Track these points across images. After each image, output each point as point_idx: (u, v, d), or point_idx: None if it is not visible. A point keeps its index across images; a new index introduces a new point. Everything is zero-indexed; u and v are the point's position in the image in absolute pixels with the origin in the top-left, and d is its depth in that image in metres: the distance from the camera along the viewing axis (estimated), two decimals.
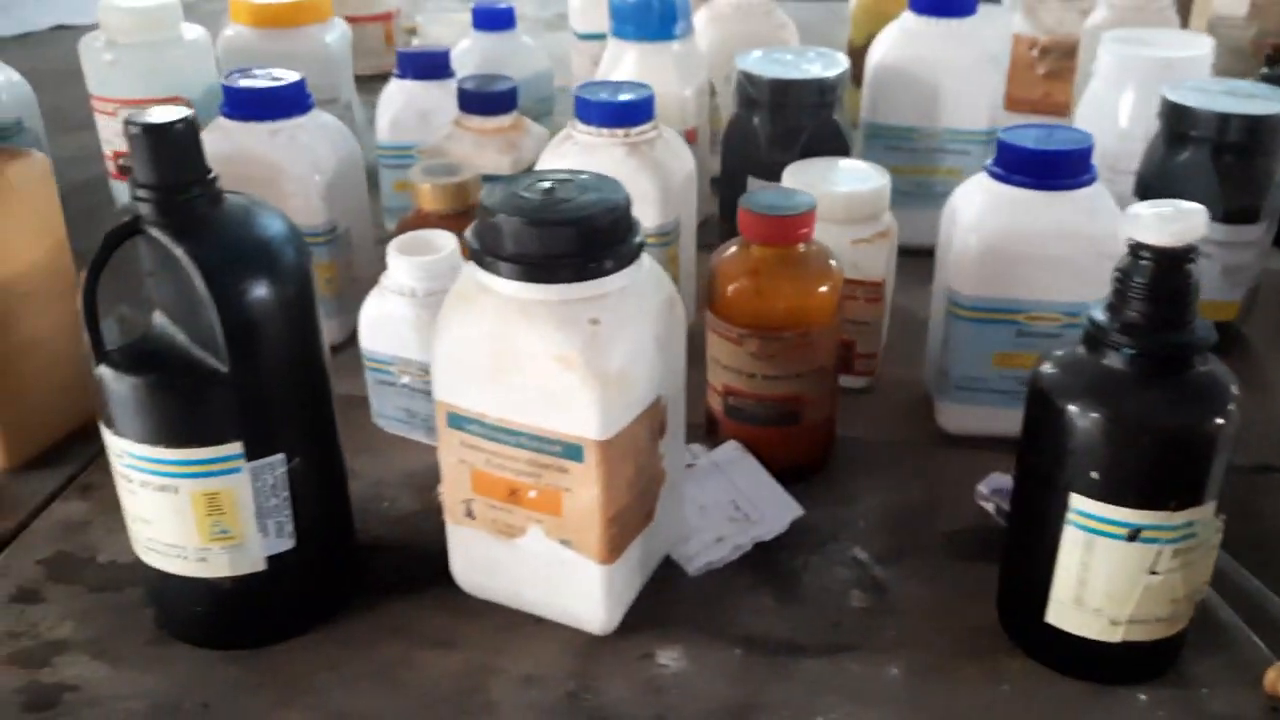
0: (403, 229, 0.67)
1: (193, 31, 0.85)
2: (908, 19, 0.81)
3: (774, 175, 0.75)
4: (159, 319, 0.44)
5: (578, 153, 0.66)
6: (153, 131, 0.42)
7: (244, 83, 0.68)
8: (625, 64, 0.83)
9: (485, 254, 0.43)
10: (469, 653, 0.49)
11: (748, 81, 0.75)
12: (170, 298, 0.43)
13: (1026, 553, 0.47)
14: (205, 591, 0.46)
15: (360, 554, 0.53)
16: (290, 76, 0.69)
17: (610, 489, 0.45)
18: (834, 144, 0.76)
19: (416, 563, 0.54)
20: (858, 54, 1.10)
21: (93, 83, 0.84)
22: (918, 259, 0.71)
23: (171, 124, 0.42)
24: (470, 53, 0.94)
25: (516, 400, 0.44)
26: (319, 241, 0.69)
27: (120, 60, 0.81)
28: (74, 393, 0.62)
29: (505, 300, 0.43)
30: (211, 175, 0.43)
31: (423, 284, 0.58)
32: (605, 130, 0.66)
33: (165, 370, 0.43)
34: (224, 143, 0.67)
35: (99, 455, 0.62)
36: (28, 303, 0.58)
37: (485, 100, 0.75)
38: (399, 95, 0.84)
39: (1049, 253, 0.58)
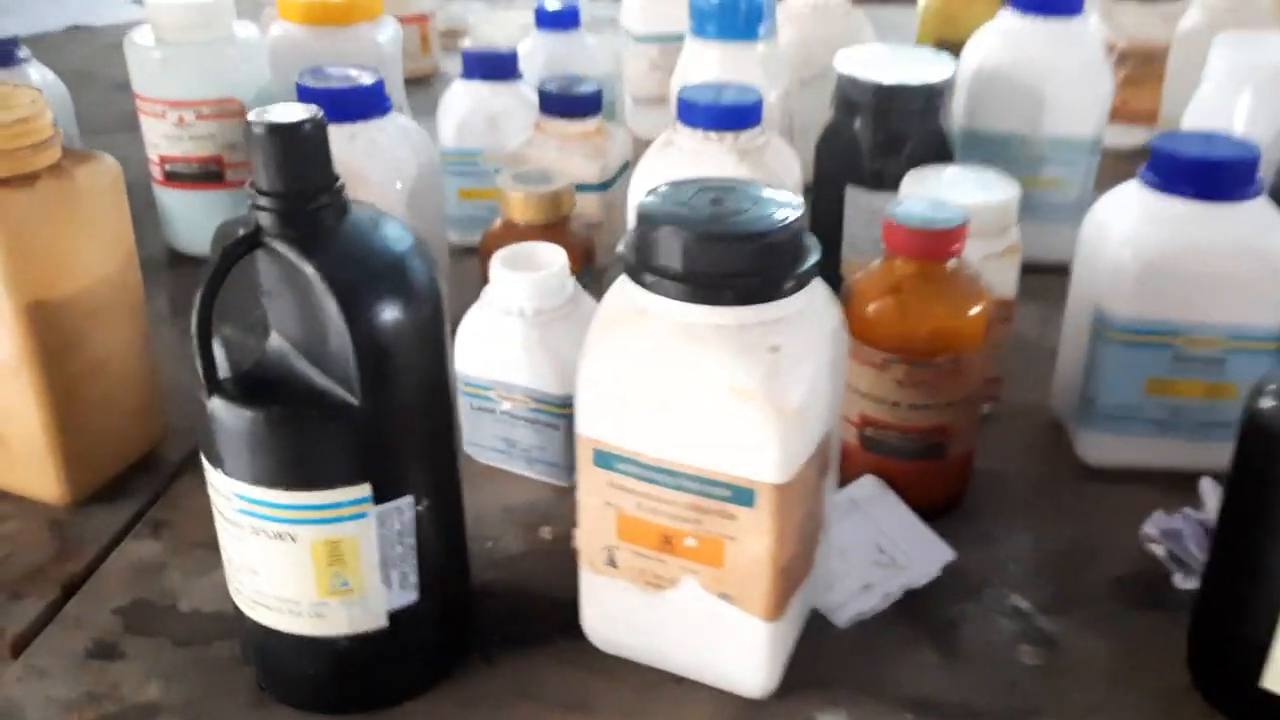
0: (491, 241, 0.62)
1: (245, 29, 0.80)
2: (1009, 19, 0.76)
3: (876, 184, 0.71)
4: (275, 343, 0.39)
5: (682, 158, 0.61)
6: (280, 132, 0.36)
7: (319, 82, 0.63)
8: (706, 65, 0.78)
9: (647, 271, 0.38)
10: (607, 718, 0.44)
11: (850, 85, 0.70)
12: (290, 320, 0.38)
13: (1235, 608, 0.42)
14: (319, 650, 0.41)
15: (474, 602, 0.48)
16: (367, 76, 0.64)
17: (782, 538, 0.40)
18: (940, 152, 0.71)
19: (535, 612, 0.48)
20: None
21: (139, 82, 0.78)
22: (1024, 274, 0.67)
23: (300, 124, 0.37)
24: (534, 54, 0.89)
25: (679, 437, 0.39)
26: None
27: (170, 59, 0.76)
28: (140, 419, 0.57)
29: (671, 323, 0.38)
30: (339, 182, 0.38)
31: (532, 302, 0.53)
32: (713, 134, 0.61)
33: (288, 402, 0.38)
34: None
35: (168, 487, 0.57)
36: (96, 321, 0.53)
37: (570, 103, 0.70)
38: (465, 97, 0.79)
39: (1213, 270, 0.53)
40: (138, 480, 0.57)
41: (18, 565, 0.51)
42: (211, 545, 0.43)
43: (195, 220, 0.80)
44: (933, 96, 0.70)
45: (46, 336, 0.51)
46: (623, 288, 0.40)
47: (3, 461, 0.54)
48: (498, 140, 0.79)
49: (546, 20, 0.90)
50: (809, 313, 0.39)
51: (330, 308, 0.37)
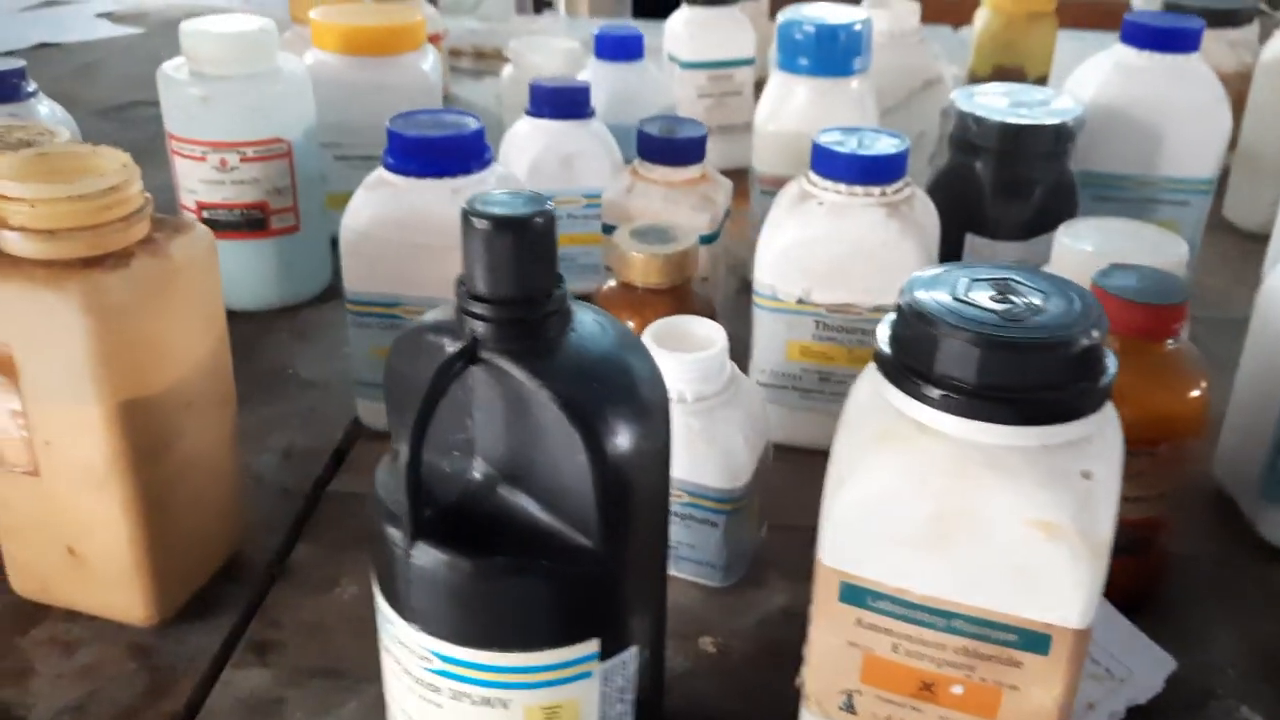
0: (604, 305, 0.56)
1: (290, 62, 0.73)
2: (1123, 53, 0.72)
3: (998, 232, 0.66)
4: (483, 472, 0.32)
5: (825, 215, 0.55)
6: (508, 229, 0.30)
7: (413, 129, 0.56)
8: (796, 102, 0.73)
9: (927, 381, 0.32)
10: None
11: (972, 124, 0.65)
12: (504, 445, 0.32)
13: None
14: None
15: None
16: (469, 123, 0.57)
17: (1072, 686, 0.34)
18: (1069, 198, 0.67)
19: None
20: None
21: (175, 121, 0.70)
22: None
23: (531, 219, 0.30)
24: (594, 87, 0.83)
25: (958, 574, 0.33)
26: None
27: (214, 97, 0.69)
28: (225, 519, 0.50)
29: (958, 443, 0.32)
30: (563, 284, 0.32)
31: (692, 387, 0.47)
32: (859, 188, 0.55)
33: (511, 549, 0.31)
34: (393, 203, 0.56)
35: (262, 598, 0.50)
36: (188, 415, 0.46)
37: (676, 149, 0.63)
38: (538, 136, 0.72)
39: None
40: (226, 590, 0.50)
41: (105, 706, 0.44)
42: (331, 674, 0.37)
43: (237, 272, 0.72)
44: (1063, 138, 0.65)
45: (138, 439, 0.43)
46: (879, 391, 0.34)
47: (78, 581, 0.46)
48: (572, 181, 0.73)
49: (608, 50, 0.83)
50: (1109, 429, 0.34)
51: (564, 434, 0.30)
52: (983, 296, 0.33)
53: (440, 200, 0.55)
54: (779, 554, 0.53)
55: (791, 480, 0.50)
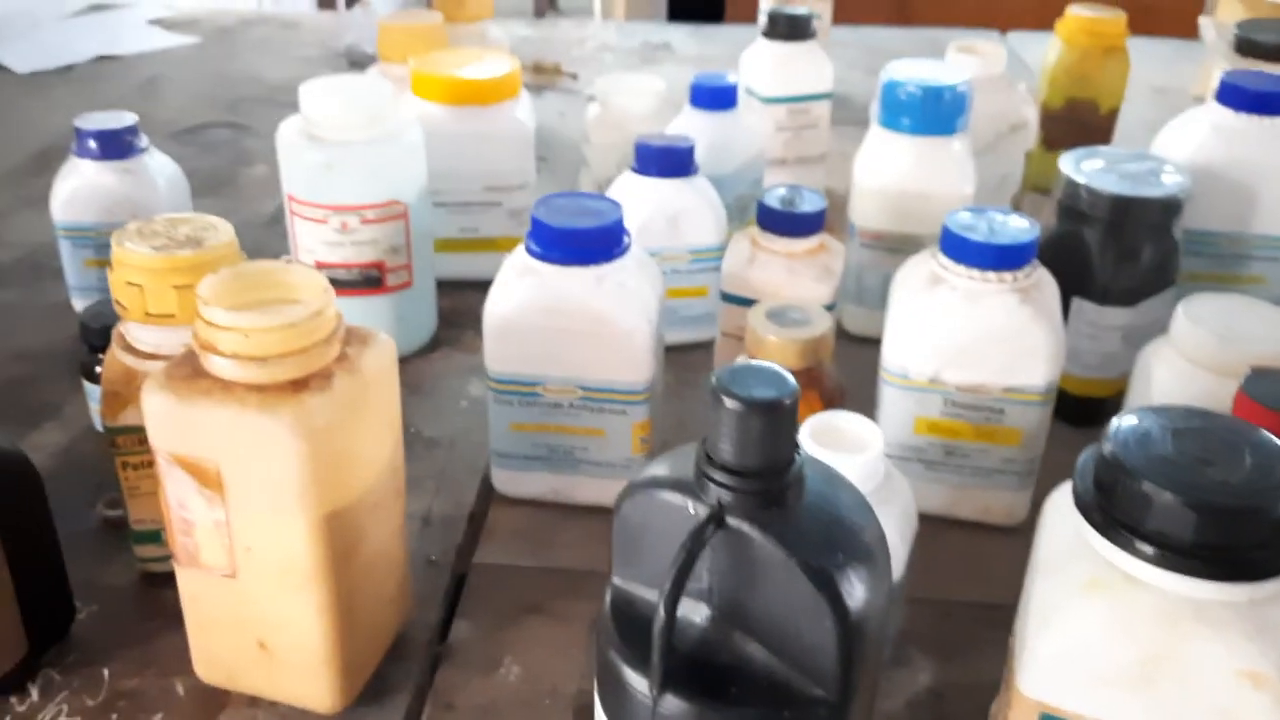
0: None
1: (407, 125, 0.74)
2: (1220, 114, 0.73)
3: (1105, 298, 0.68)
4: (718, 622, 0.34)
5: (959, 300, 0.57)
6: (761, 410, 0.32)
7: (556, 219, 0.57)
8: (896, 160, 0.74)
9: (1138, 536, 0.34)
10: None
11: (1084, 194, 0.67)
12: (741, 600, 0.34)
13: None
14: None
15: None
16: (609, 210, 0.59)
17: None
18: (1173, 262, 0.68)
19: None
20: (1053, 118, 1.03)
21: (297, 185, 0.72)
22: None
23: (780, 401, 0.32)
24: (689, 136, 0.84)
25: (1164, 716, 0.35)
26: (638, 399, 0.59)
27: (337, 164, 0.70)
28: (396, 605, 0.52)
29: (1170, 597, 0.34)
30: (801, 452, 0.34)
31: None
32: (992, 274, 0.57)
33: (754, 698, 0.33)
34: (539, 290, 0.57)
35: (428, 682, 0.52)
36: (374, 516, 0.48)
37: (797, 221, 0.65)
38: (647, 196, 0.74)
39: None
40: (395, 671, 0.52)
41: None
42: None
43: None
44: (1171, 209, 0.67)
45: (334, 544, 0.45)
46: (1081, 535, 0.36)
47: (266, 671, 0.48)
48: (678, 239, 0.75)
49: (704, 99, 0.84)
50: None
51: (806, 596, 0.32)
52: (1189, 452, 0.35)
53: (585, 287, 0.57)
54: (916, 629, 0.55)
55: (920, 551, 0.52)
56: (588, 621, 0.56)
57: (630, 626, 0.35)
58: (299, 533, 0.44)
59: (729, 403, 0.32)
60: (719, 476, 0.33)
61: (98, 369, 0.67)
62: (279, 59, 1.49)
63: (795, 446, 0.33)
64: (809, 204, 0.66)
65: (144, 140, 0.79)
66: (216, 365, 0.43)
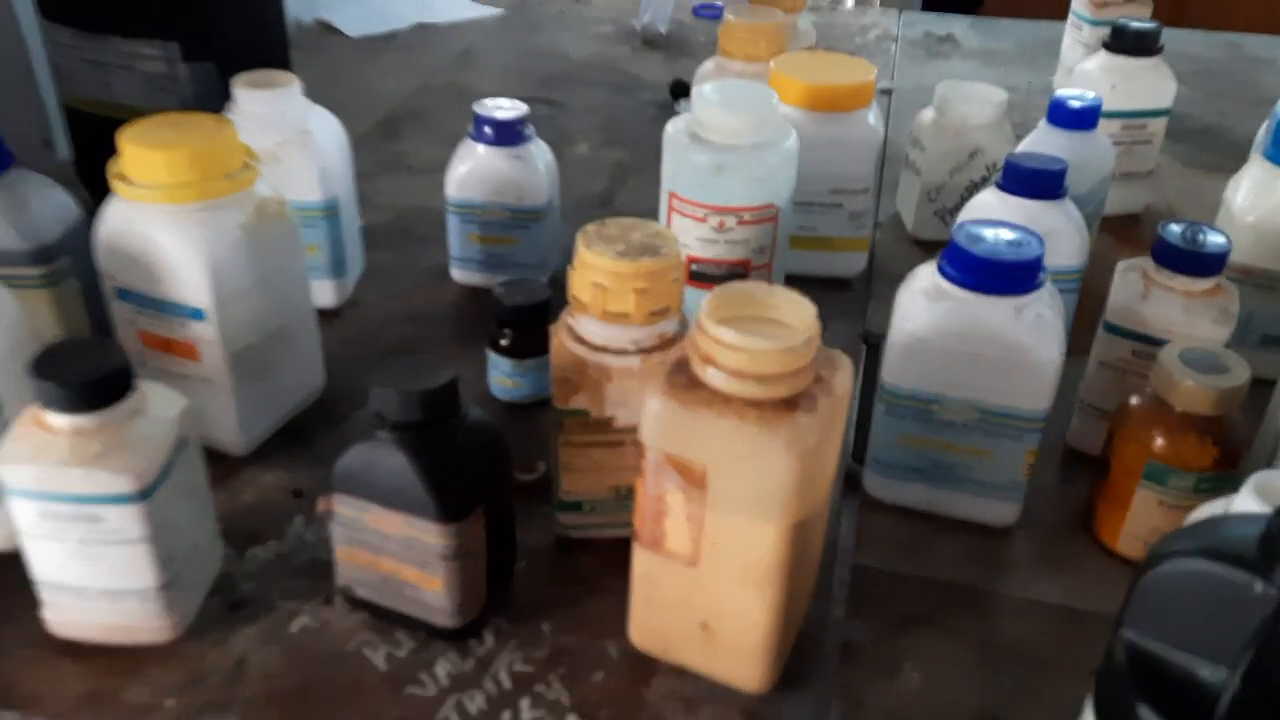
0: (1137, 422, 0.59)
1: (787, 133, 0.77)
2: None
3: None
4: (1237, 690, 0.36)
5: None
6: None
7: (980, 248, 0.59)
8: (1273, 195, 0.73)
9: None
10: None
11: None
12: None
13: None
14: None
15: None
16: (1031, 244, 0.60)
17: None
18: None
19: None
20: None
21: (682, 184, 0.76)
22: None
23: None
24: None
25: None
26: (1035, 427, 0.61)
27: (726, 168, 0.74)
28: (806, 601, 0.56)
29: None
30: None
31: None
32: None
33: None
34: (955, 315, 0.60)
35: (834, 675, 0.56)
36: (818, 522, 0.52)
37: (1200, 260, 0.65)
38: (1013, 214, 0.74)
39: None
40: (800, 663, 0.56)
41: None
42: None
43: None
44: None
45: (793, 548, 0.49)
46: None
47: (703, 649, 0.53)
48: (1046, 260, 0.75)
49: (1065, 118, 0.84)
50: None
51: None
52: None
53: (1005, 317, 0.59)
54: None
55: None
56: (977, 639, 0.58)
57: (1151, 683, 0.38)
58: (769, 538, 0.48)
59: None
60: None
61: (503, 342, 0.74)
62: (578, 35, 1.55)
63: None
64: (1212, 242, 0.65)
65: (530, 129, 0.85)
66: (716, 378, 0.47)
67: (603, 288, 0.57)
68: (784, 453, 0.46)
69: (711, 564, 0.51)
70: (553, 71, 1.40)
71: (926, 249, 0.98)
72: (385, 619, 0.57)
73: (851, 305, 0.90)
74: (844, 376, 0.50)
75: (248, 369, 0.66)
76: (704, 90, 0.76)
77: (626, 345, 0.58)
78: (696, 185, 0.76)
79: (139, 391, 0.52)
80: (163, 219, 0.60)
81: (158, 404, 0.53)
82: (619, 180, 1.11)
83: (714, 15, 1.65)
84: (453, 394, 0.53)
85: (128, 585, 0.53)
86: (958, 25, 1.64)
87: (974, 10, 2.24)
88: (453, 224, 0.86)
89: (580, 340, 0.59)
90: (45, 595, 0.54)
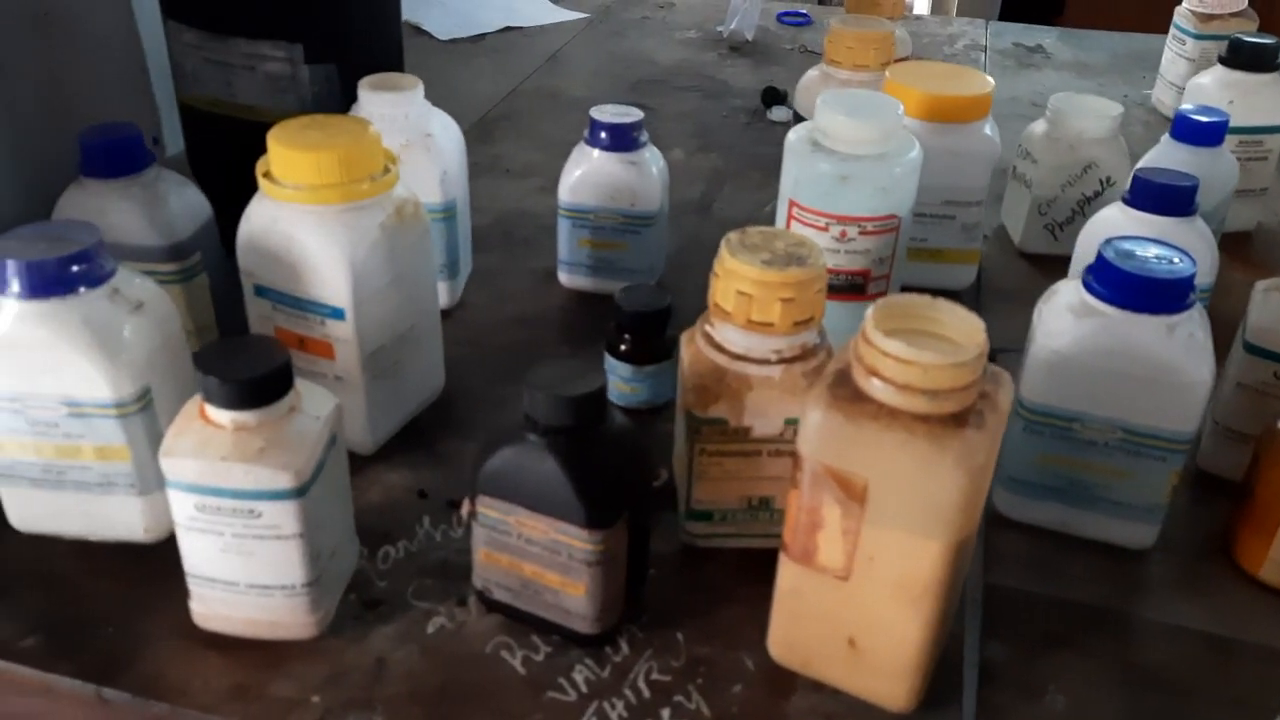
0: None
1: (913, 145, 0.77)
2: None
3: None
4: None
5: None
6: None
7: (1130, 265, 0.58)
8: None
9: None
10: None
11: None
12: None
13: None
14: None
15: None
16: (1183, 262, 0.59)
17: None
18: None
19: None
20: None
21: (806, 192, 0.76)
22: None
23: None
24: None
25: None
26: (1181, 448, 0.60)
27: (852, 178, 0.73)
28: (950, 620, 0.56)
29: None
30: None
31: None
32: None
33: None
34: (1105, 333, 0.59)
35: (976, 695, 0.55)
36: (972, 540, 0.51)
37: None
38: (1142, 231, 0.74)
39: None
40: (940, 682, 0.55)
41: None
42: None
43: (838, 330, 0.78)
44: None
45: (952, 567, 0.49)
46: None
47: (847, 665, 0.53)
48: None
49: (1191, 133, 0.83)
50: None
51: None
52: None
53: (1156, 336, 0.58)
54: None
55: None
56: (1119, 663, 0.57)
57: None
58: (931, 555, 0.48)
59: None
60: None
61: (622, 347, 0.74)
62: (663, 41, 1.55)
63: None
64: None
65: (645, 135, 0.85)
66: (883, 391, 0.47)
67: (748, 296, 0.57)
68: (954, 469, 0.46)
69: (864, 579, 0.50)
70: (642, 76, 1.40)
71: (1034, 263, 0.96)
72: (522, 622, 0.57)
73: None
74: (1006, 393, 0.49)
75: (378, 369, 0.66)
76: (828, 99, 0.75)
77: (768, 354, 0.58)
78: (819, 194, 0.75)
79: (295, 389, 0.52)
80: (309, 219, 0.61)
81: (311, 402, 0.53)
82: (715, 186, 1.11)
83: (799, 22, 1.64)
84: (603, 399, 0.53)
85: (277, 580, 0.53)
86: (1046, 36, 1.62)
87: (1054, 20, 2.21)
88: (563, 228, 0.87)
89: (719, 348, 0.59)
90: (194, 587, 0.54)
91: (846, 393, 0.48)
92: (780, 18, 1.65)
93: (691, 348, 0.60)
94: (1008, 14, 2.20)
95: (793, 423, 0.58)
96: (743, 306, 0.57)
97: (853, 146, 0.74)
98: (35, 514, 0.60)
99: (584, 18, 1.63)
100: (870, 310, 0.49)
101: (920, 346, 0.46)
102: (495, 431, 0.54)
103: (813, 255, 0.58)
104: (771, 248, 0.58)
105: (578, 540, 0.53)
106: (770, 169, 1.15)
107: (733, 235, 0.59)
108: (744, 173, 1.14)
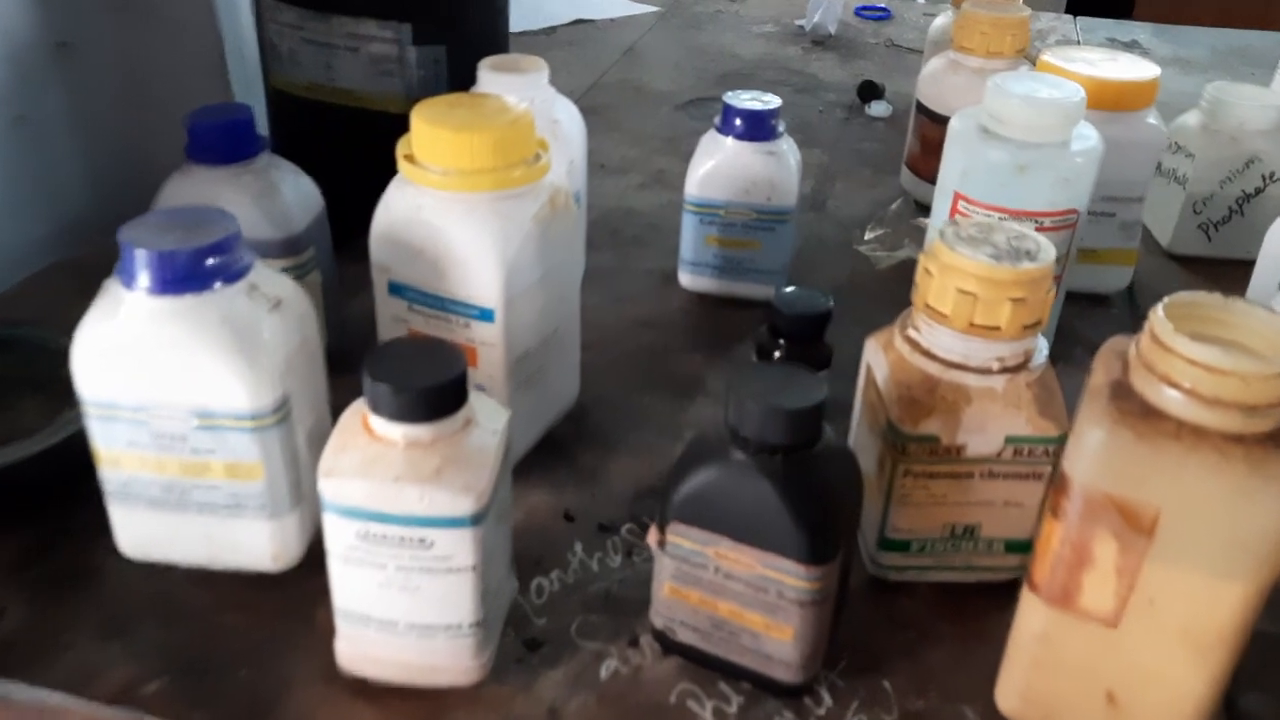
0: None
1: (1092, 133, 0.69)
2: None
3: None
4: None
5: None
6: None
7: None
8: None
9: None
10: None
11: None
12: None
13: None
14: None
15: None
16: None
17: None
18: None
19: None
20: None
21: (974, 184, 0.69)
22: None
23: None
24: None
25: None
26: None
27: (1030, 167, 0.66)
28: None
29: None
30: None
31: None
32: None
33: None
34: None
35: None
36: None
37: None
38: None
39: None
40: None
41: None
42: None
43: None
44: None
45: (1252, 614, 0.42)
46: None
47: None
48: None
49: None
50: None
51: None
52: None
53: None
54: None
55: None
56: None
57: None
58: (1231, 598, 0.41)
59: None
60: None
61: (777, 353, 0.67)
62: (741, 34, 1.49)
63: None
64: None
65: (783, 124, 0.78)
66: (1182, 406, 0.40)
67: (972, 296, 0.49)
68: (1276, 499, 0.39)
69: (1139, 625, 0.43)
70: (726, 70, 1.33)
71: (1186, 265, 0.89)
72: (708, 667, 0.50)
73: (1118, 325, 0.82)
74: None
75: (523, 376, 0.59)
76: (1002, 82, 0.68)
77: (989, 363, 0.51)
78: (993, 186, 0.68)
79: (469, 400, 0.45)
80: (458, 208, 0.54)
81: (484, 414, 0.46)
82: (825, 183, 1.04)
83: (878, 16, 1.57)
84: (821, 414, 0.46)
85: (442, 620, 0.46)
86: (1139, 32, 1.55)
87: (1125, 16, 2.14)
88: (688, 225, 0.80)
89: (928, 354, 0.52)
90: (343, 626, 0.47)
91: (1133, 407, 0.41)
92: (858, 11, 1.58)
93: (892, 354, 0.53)
94: (1074, 9, 2.13)
95: (1015, 441, 0.51)
96: (964, 307, 0.50)
97: (1031, 133, 0.67)
98: (151, 538, 0.53)
99: (655, 11, 1.56)
100: (1158, 309, 0.41)
101: (1238, 355, 0.39)
102: (692, 449, 0.47)
103: (1042, 250, 0.51)
104: (991, 240, 0.51)
105: (791, 577, 0.45)
106: (879, 165, 1.09)
107: (946, 227, 0.52)
108: (853, 169, 1.07)
